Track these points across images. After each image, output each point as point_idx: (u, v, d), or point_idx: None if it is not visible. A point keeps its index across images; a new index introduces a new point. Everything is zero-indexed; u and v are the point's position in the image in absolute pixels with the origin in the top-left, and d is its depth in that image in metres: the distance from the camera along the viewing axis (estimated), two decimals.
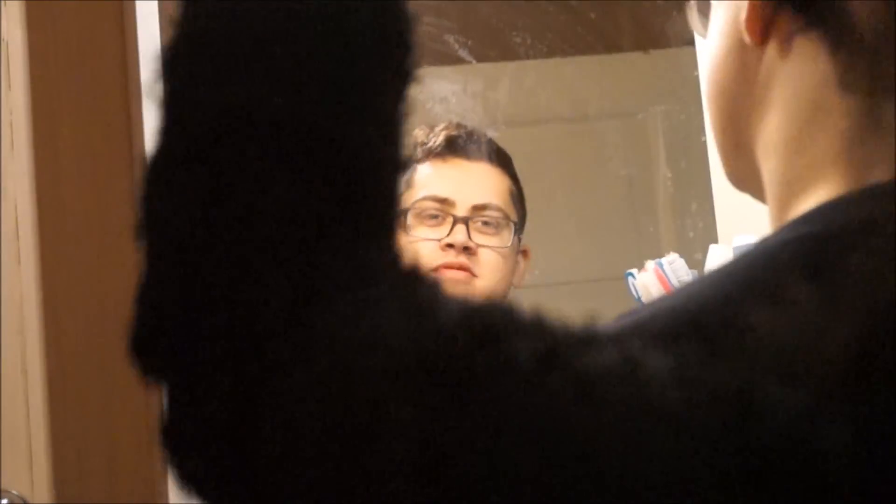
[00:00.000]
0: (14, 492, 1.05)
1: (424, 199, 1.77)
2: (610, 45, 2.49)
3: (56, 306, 1.10)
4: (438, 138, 1.80)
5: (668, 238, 2.36)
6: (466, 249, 1.74)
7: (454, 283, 1.73)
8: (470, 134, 1.82)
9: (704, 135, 1.72)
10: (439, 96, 2.26)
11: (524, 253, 1.85)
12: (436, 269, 1.74)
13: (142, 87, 1.10)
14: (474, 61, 2.29)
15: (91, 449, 1.09)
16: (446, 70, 2.29)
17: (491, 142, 1.84)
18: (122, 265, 1.13)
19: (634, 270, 1.51)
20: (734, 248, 1.45)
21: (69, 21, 1.15)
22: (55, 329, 1.09)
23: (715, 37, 0.76)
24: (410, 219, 1.77)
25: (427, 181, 1.79)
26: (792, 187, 0.70)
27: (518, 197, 1.83)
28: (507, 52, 2.38)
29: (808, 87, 0.70)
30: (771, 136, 0.72)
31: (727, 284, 0.64)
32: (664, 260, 1.48)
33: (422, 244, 1.75)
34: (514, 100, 2.37)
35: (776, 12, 0.71)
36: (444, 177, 1.79)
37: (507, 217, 1.79)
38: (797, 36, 0.70)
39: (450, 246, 1.74)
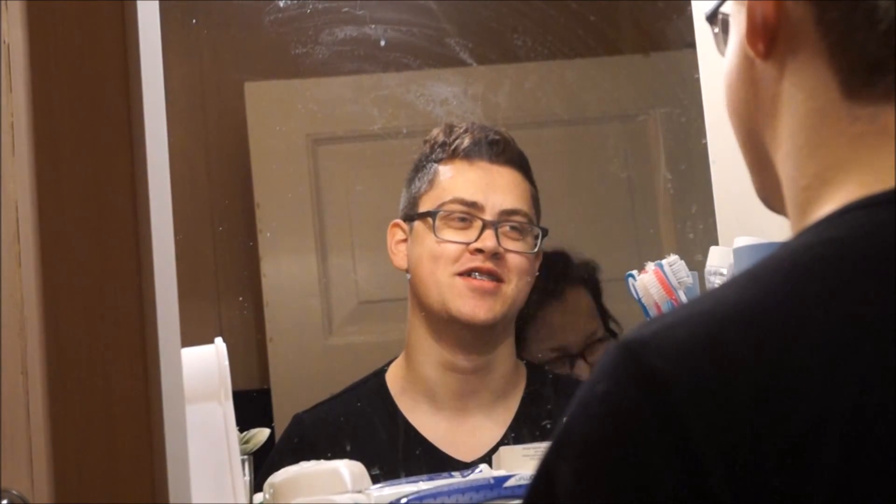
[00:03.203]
0: (14, 491, 1.05)
1: (452, 201, 1.77)
2: (610, 48, 2.50)
3: (56, 306, 1.10)
4: (464, 141, 1.80)
5: (668, 240, 2.36)
6: (495, 255, 1.74)
7: (482, 294, 1.73)
8: (497, 137, 1.82)
9: (705, 137, 1.72)
10: (440, 98, 2.26)
11: (536, 255, 1.85)
12: (464, 273, 1.74)
13: (142, 87, 1.10)
14: (475, 64, 2.29)
15: (91, 449, 1.09)
16: (447, 72, 2.29)
17: (516, 146, 1.84)
18: (122, 265, 1.13)
19: (635, 272, 1.51)
20: (734, 250, 1.45)
21: (70, 22, 1.15)
22: (55, 329, 1.09)
23: (728, 54, 0.78)
24: (437, 221, 1.77)
25: (454, 184, 1.78)
26: (808, 192, 0.71)
27: (537, 202, 1.84)
28: (507, 55, 2.38)
29: (812, 95, 0.70)
30: (784, 146, 0.73)
31: (754, 289, 0.65)
32: (664, 261, 1.48)
33: (449, 247, 1.75)
34: (514, 102, 2.37)
35: (777, 25, 0.71)
36: (472, 180, 1.79)
37: (532, 222, 1.79)
38: (797, 47, 0.71)
39: (479, 251, 1.74)
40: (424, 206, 1.79)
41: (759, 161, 0.78)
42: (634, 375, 0.63)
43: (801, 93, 0.71)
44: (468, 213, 1.76)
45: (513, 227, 1.77)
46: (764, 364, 0.61)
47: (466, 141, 1.80)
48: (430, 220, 1.77)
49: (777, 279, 0.65)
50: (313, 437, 1.78)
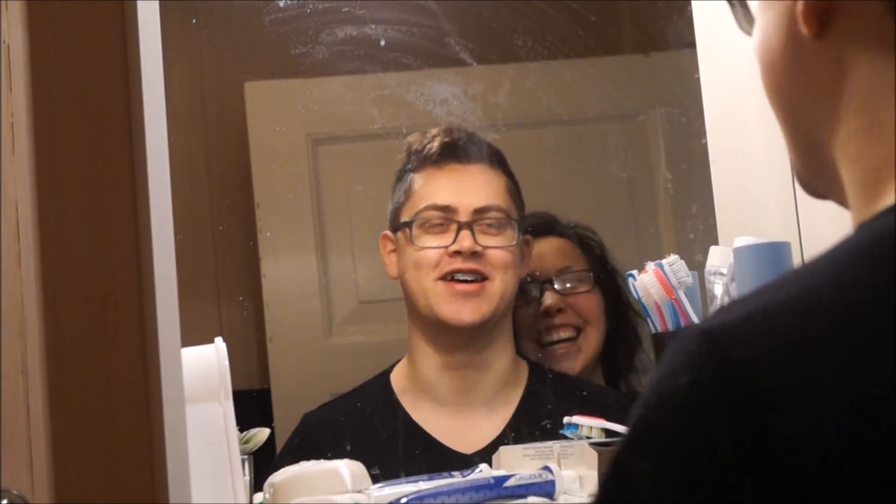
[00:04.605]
0: (14, 491, 1.05)
1: (427, 209, 1.80)
2: (610, 48, 2.50)
3: (56, 306, 1.10)
4: (433, 145, 1.82)
5: (668, 239, 2.36)
6: (474, 254, 1.76)
7: (465, 296, 1.75)
8: (463, 137, 1.84)
9: (705, 137, 1.72)
10: (440, 98, 2.26)
11: (527, 242, 1.87)
12: (446, 275, 1.76)
13: (142, 87, 1.10)
14: (475, 64, 2.29)
15: (91, 449, 1.09)
16: (447, 72, 2.29)
17: (484, 142, 1.86)
18: (123, 265, 1.13)
19: (635, 272, 1.51)
20: (734, 250, 1.45)
21: (70, 22, 1.15)
22: (55, 329, 1.09)
23: (766, 32, 0.74)
24: (415, 229, 1.79)
25: (427, 191, 1.81)
26: (878, 173, 0.68)
27: (516, 192, 1.85)
28: (507, 55, 2.38)
29: (880, 73, 0.68)
30: (846, 125, 0.70)
31: (839, 277, 0.62)
32: (664, 261, 1.48)
33: (429, 252, 1.77)
34: (514, 102, 2.37)
35: (833, 5, 0.69)
36: (443, 184, 1.81)
37: (508, 216, 1.80)
38: (861, 25, 0.68)
39: (458, 252, 1.76)
40: (404, 217, 1.82)
41: (806, 142, 0.74)
42: (719, 367, 0.60)
43: (866, 71, 0.68)
44: (443, 217, 1.79)
45: (489, 224, 1.79)
46: (857, 361, 0.58)
47: (434, 146, 1.82)
48: (407, 230, 1.79)
49: (863, 267, 0.62)
50: (319, 436, 1.80)
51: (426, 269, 1.77)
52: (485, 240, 1.78)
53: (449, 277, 1.76)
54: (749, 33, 0.78)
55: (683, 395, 0.60)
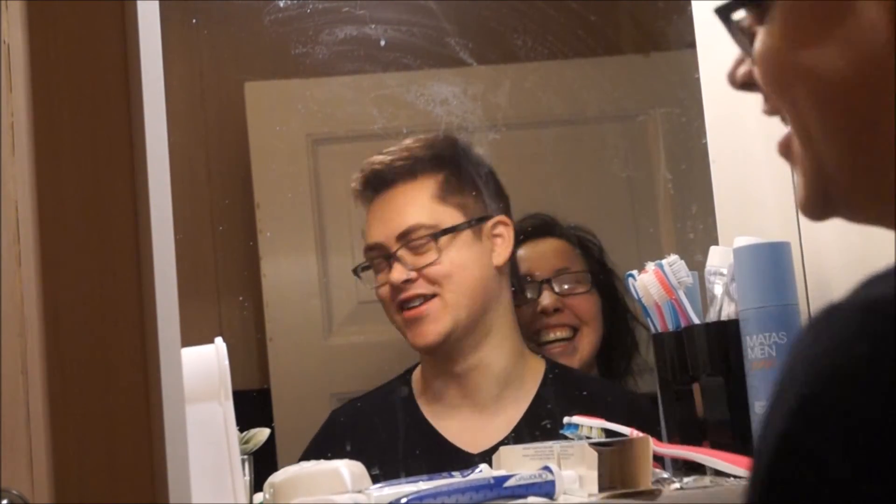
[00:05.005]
0: (14, 491, 1.05)
1: (366, 251, 1.85)
2: (610, 48, 2.50)
3: (56, 306, 1.10)
4: (356, 186, 1.84)
5: (668, 240, 2.36)
6: (409, 280, 1.77)
7: (415, 321, 1.78)
8: (375, 168, 1.83)
9: (705, 137, 1.72)
10: (440, 98, 2.26)
11: (502, 223, 1.84)
12: (398, 307, 1.79)
13: (142, 87, 1.10)
14: (475, 64, 2.29)
15: (91, 449, 1.09)
16: (447, 72, 2.30)
17: (399, 157, 1.84)
18: (123, 265, 1.13)
19: (635, 272, 1.51)
20: (734, 250, 1.45)
21: (70, 22, 1.15)
22: (55, 329, 1.09)
23: (854, 43, 0.69)
24: (364, 273, 1.86)
25: (366, 233, 1.85)
26: None
27: (450, 186, 1.82)
28: (507, 55, 2.38)
29: None
30: None
31: None
32: (664, 261, 1.48)
33: (381, 290, 1.81)
34: (514, 102, 2.37)
35: None
36: (370, 223, 1.85)
37: (430, 229, 1.79)
38: None
39: (393, 285, 1.77)
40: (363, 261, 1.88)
41: (872, 161, 0.70)
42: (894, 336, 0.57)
43: None
44: (378, 255, 1.82)
45: (416, 245, 1.79)
46: None
47: (356, 186, 1.85)
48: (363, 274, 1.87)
49: None
50: (340, 431, 1.83)
51: (387, 306, 1.82)
52: (415, 261, 1.79)
53: (402, 308, 1.79)
54: (747, 50, 0.75)
55: (862, 366, 0.58)
